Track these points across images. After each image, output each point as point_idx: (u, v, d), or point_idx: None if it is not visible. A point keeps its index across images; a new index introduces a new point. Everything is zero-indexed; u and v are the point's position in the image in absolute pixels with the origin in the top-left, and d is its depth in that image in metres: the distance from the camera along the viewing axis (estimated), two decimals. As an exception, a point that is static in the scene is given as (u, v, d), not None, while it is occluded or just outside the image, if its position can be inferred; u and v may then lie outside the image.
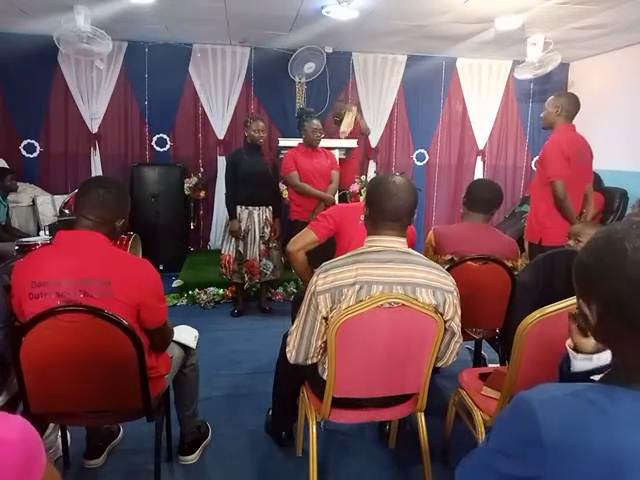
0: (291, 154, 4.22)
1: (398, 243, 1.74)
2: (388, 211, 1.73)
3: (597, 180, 4.87)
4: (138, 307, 1.72)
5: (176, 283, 4.55)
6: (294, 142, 4.60)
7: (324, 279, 1.67)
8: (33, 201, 5.22)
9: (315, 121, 4.18)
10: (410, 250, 1.77)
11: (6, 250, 3.57)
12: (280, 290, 4.66)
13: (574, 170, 3.16)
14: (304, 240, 2.51)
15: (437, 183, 6.35)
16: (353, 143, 5.37)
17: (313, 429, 1.89)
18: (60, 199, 4.83)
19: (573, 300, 1.62)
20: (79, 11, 4.17)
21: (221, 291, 4.52)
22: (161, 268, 4.54)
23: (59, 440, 2.18)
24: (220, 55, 5.62)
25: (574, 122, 3.30)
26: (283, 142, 5.00)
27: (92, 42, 4.40)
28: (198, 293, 4.47)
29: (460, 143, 6.28)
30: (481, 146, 6.25)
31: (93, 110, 5.50)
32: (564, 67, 6.08)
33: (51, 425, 2.14)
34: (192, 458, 2.24)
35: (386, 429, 2.42)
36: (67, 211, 4.02)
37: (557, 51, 4.78)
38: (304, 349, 1.75)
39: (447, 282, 1.73)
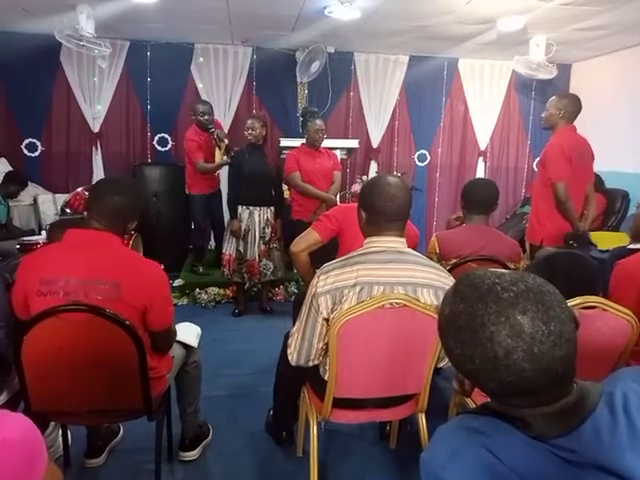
0: (293, 154, 4.21)
1: (398, 243, 1.75)
2: (391, 212, 1.73)
3: (599, 181, 4.87)
4: (145, 310, 1.72)
5: (177, 283, 4.56)
6: (296, 142, 4.60)
7: (325, 280, 1.67)
8: (34, 200, 5.22)
9: (318, 121, 4.18)
10: (410, 250, 1.77)
11: (7, 249, 3.59)
12: (281, 290, 4.65)
13: (575, 171, 3.16)
14: (307, 241, 2.51)
15: (438, 184, 6.35)
16: (355, 143, 5.39)
17: (314, 429, 1.89)
18: (62, 198, 4.84)
19: (574, 301, 1.62)
20: (82, 10, 4.17)
21: (222, 291, 4.52)
22: (162, 267, 4.54)
23: (60, 439, 2.19)
24: (222, 55, 5.63)
25: (576, 123, 3.29)
26: (285, 142, 5.01)
27: (91, 44, 4.40)
28: (199, 293, 4.48)
29: (462, 144, 6.27)
30: (483, 147, 6.24)
31: (95, 109, 5.51)
32: (566, 68, 6.08)
33: (52, 424, 2.14)
34: (193, 454, 2.24)
35: (387, 429, 2.42)
36: (68, 210, 4.04)
37: (554, 64, 4.81)
38: (305, 351, 1.74)
39: (447, 282, 1.73)
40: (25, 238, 3.40)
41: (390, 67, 5.90)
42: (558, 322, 0.75)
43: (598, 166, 3.52)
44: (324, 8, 4.03)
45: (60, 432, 2.19)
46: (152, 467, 1.94)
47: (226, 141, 4.42)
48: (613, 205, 5.12)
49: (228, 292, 4.52)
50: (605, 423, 0.75)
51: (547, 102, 3.35)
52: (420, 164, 6.27)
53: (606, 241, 4.43)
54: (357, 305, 1.62)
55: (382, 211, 1.73)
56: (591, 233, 4.45)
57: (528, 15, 4.10)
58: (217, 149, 4.47)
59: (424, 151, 6.23)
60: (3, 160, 5.20)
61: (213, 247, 5.29)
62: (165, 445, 2.17)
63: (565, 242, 2.95)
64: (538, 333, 0.73)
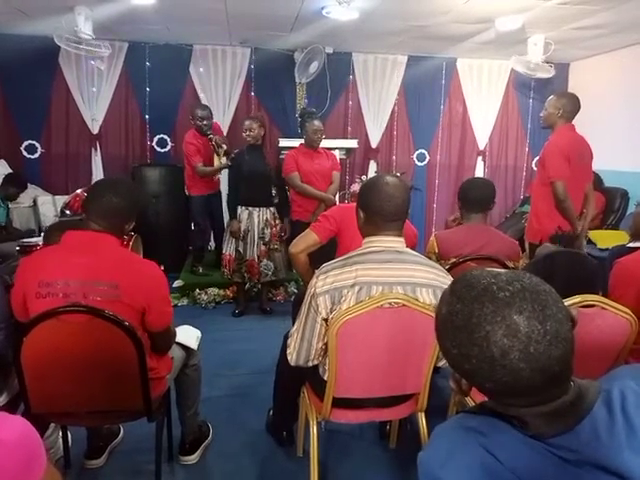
0: (292, 155, 4.21)
1: (397, 243, 1.75)
2: (389, 212, 1.73)
3: (598, 180, 4.88)
4: (144, 310, 1.72)
5: (177, 283, 4.56)
6: (294, 142, 4.60)
7: (324, 280, 1.67)
8: (34, 201, 5.22)
9: (316, 122, 4.18)
10: (408, 250, 1.77)
11: (6, 250, 3.58)
12: (281, 290, 4.65)
13: (574, 170, 3.16)
14: (306, 242, 2.51)
15: (437, 183, 6.35)
16: (354, 143, 5.40)
17: (314, 429, 1.90)
18: (61, 199, 4.85)
19: (573, 300, 1.62)
20: (79, 12, 4.17)
21: (222, 291, 4.52)
22: (162, 268, 4.53)
23: (60, 440, 2.19)
24: (220, 56, 5.62)
25: (574, 122, 3.30)
26: (283, 142, 5.00)
27: (90, 45, 4.41)
28: (199, 293, 4.48)
29: (460, 143, 6.27)
30: (481, 146, 6.24)
31: (94, 111, 5.50)
32: (564, 67, 6.08)
33: (52, 425, 2.14)
34: (193, 458, 2.25)
35: (387, 429, 2.42)
36: (68, 211, 4.04)
37: (552, 63, 4.82)
38: (305, 351, 1.75)
39: (446, 281, 1.73)
40: (25, 240, 3.39)
41: (388, 67, 5.90)
42: (554, 321, 0.74)
43: (597, 165, 3.53)
44: (322, 8, 4.03)
45: (60, 433, 2.19)
46: (152, 468, 1.95)
47: (224, 147, 4.39)
48: (612, 204, 5.13)
49: (228, 293, 4.52)
50: (603, 422, 0.75)
51: (546, 101, 3.36)
52: (419, 164, 6.26)
53: (605, 240, 4.44)
54: (356, 305, 1.63)
55: (380, 211, 1.73)
56: (590, 232, 4.46)
57: (526, 14, 4.10)
58: (215, 155, 4.45)
59: (423, 151, 6.23)
60: (3, 162, 5.20)
61: (213, 248, 5.29)
62: (165, 446, 2.17)
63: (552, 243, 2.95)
64: (534, 333, 0.73)
